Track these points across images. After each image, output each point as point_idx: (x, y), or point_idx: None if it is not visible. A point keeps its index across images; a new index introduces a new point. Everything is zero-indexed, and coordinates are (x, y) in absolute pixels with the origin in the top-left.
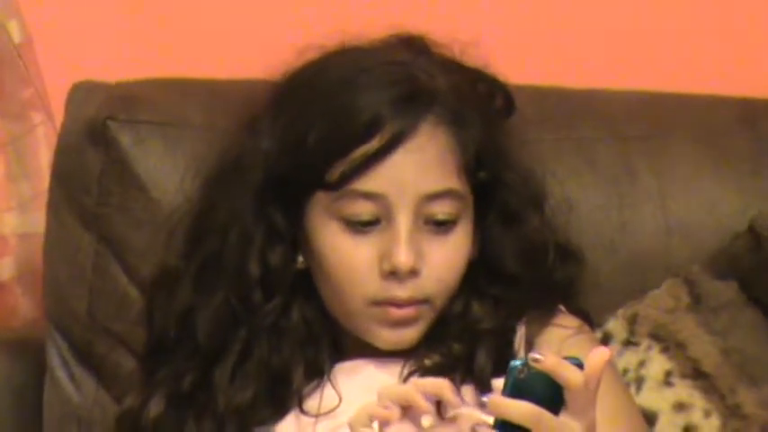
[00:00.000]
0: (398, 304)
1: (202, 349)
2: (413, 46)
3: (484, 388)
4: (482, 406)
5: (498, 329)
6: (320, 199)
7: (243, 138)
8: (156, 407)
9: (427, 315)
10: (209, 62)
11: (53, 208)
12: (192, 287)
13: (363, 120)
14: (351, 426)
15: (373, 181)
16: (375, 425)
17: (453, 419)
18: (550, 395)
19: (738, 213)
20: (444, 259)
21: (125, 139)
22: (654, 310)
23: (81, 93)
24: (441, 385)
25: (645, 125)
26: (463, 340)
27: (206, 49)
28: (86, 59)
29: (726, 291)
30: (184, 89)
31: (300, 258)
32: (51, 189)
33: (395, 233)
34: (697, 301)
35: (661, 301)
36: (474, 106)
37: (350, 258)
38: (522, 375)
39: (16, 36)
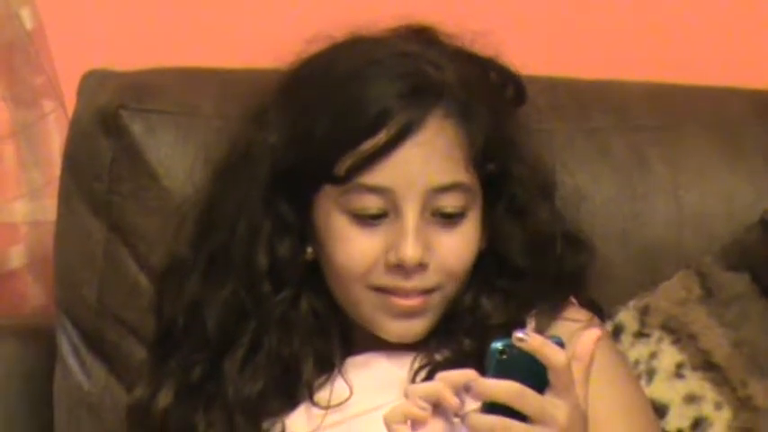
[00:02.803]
0: (403, 294)
1: (212, 340)
2: (422, 36)
3: None
4: (467, 390)
5: (509, 325)
6: (328, 192)
7: (251, 130)
8: (165, 397)
9: (436, 305)
10: (220, 51)
11: (64, 196)
12: (201, 279)
13: (371, 113)
14: (386, 423)
15: (381, 175)
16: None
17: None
18: (534, 375)
19: (751, 205)
20: (452, 251)
21: (136, 127)
22: (665, 302)
23: (93, 81)
24: (468, 375)
25: (658, 116)
26: (473, 335)
27: (218, 38)
28: (98, 47)
29: (738, 283)
30: (196, 78)
31: (309, 249)
32: (62, 177)
33: (402, 226)
34: (709, 292)
35: (673, 292)
36: (483, 97)
37: (357, 250)
38: (504, 357)
39: (28, 23)
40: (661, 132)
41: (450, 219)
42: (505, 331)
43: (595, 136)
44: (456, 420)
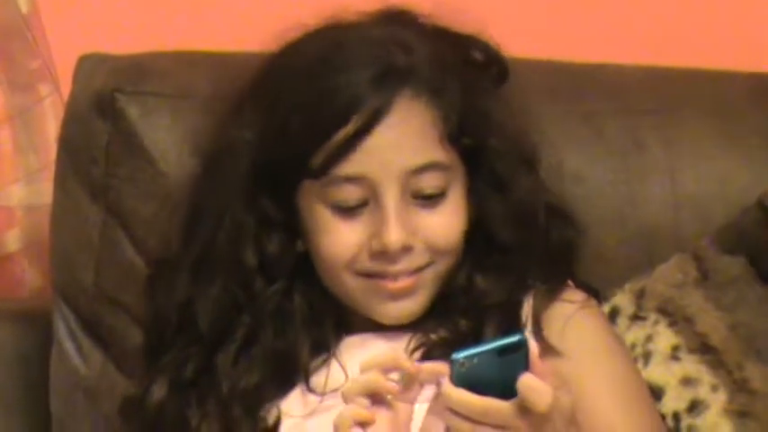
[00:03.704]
0: (392, 277)
1: (204, 337)
2: (398, 18)
3: None
4: (438, 385)
5: (504, 303)
6: (308, 186)
7: (228, 127)
8: (158, 392)
9: (428, 283)
10: (216, 35)
11: (60, 179)
12: (191, 276)
13: (338, 103)
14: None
15: (355, 164)
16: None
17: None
18: (500, 382)
19: (748, 187)
20: (437, 230)
21: (132, 110)
22: (661, 285)
23: (88, 64)
24: (394, 357)
25: (654, 99)
26: (470, 315)
27: (213, 21)
28: (93, 31)
29: (734, 266)
30: (192, 61)
31: (299, 242)
32: (58, 160)
33: (383, 213)
34: (705, 275)
35: (669, 275)
36: (454, 73)
37: (341, 241)
38: (463, 369)
39: (24, 7)
40: (657, 115)
41: (430, 199)
42: (502, 311)
43: (591, 119)
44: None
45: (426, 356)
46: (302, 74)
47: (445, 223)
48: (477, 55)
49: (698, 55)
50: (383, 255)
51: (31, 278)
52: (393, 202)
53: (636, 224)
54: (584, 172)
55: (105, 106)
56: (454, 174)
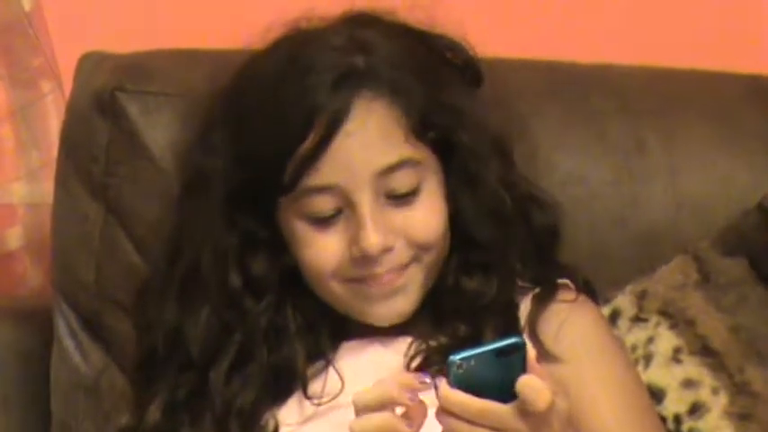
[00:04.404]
0: (378, 279)
1: (196, 362)
2: (360, 19)
3: None
4: (436, 388)
5: (499, 304)
6: (284, 202)
7: (198, 156)
8: (152, 417)
9: (416, 278)
10: (217, 33)
11: (61, 177)
12: (177, 304)
13: (298, 114)
14: None
15: (323, 174)
16: None
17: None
18: (499, 383)
19: (749, 190)
20: (417, 227)
21: (133, 109)
22: (662, 287)
23: (89, 63)
24: (406, 378)
25: (656, 100)
26: (467, 320)
27: (214, 20)
28: (95, 29)
29: (735, 268)
30: (192, 60)
31: (287, 255)
32: (59, 159)
33: (358, 218)
34: (706, 278)
35: (670, 277)
36: (417, 70)
37: (321, 253)
38: (460, 370)
39: (27, 4)
40: (658, 116)
41: (405, 198)
42: (499, 313)
43: (594, 120)
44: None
45: (425, 363)
46: (262, 92)
47: (423, 218)
48: (450, 55)
49: (699, 56)
50: (364, 259)
51: (32, 276)
52: (367, 207)
53: (637, 225)
54: (586, 172)
55: (106, 105)
56: (426, 169)
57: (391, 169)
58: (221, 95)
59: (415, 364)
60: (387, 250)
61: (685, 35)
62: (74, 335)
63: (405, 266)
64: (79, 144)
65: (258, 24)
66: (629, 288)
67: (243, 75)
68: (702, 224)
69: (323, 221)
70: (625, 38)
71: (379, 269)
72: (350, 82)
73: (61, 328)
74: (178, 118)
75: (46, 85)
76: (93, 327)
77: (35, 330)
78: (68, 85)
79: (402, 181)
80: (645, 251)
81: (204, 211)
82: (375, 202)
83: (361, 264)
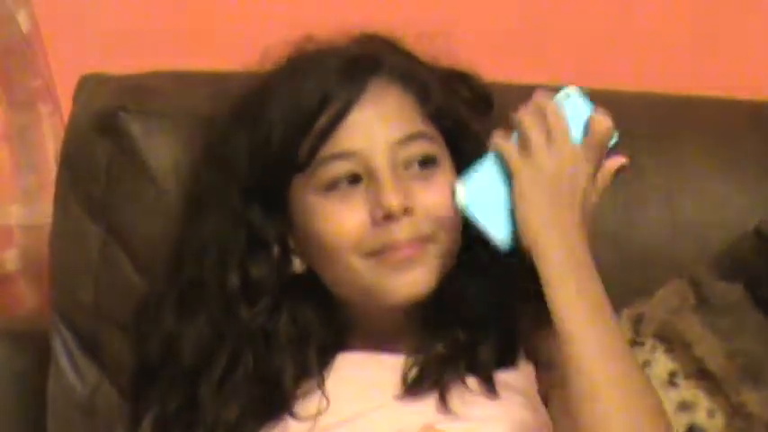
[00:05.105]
0: (399, 247)
1: (188, 371)
2: (370, 38)
3: (487, 378)
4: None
5: (499, 310)
6: (299, 183)
7: (208, 172)
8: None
9: (434, 258)
10: (216, 54)
11: (60, 198)
12: (175, 316)
13: (312, 98)
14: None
15: (341, 141)
16: None
17: None
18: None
19: (745, 214)
20: (435, 198)
21: (135, 129)
22: (659, 310)
23: (91, 84)
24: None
25: (654, 125)
26: (466, 325)
27: (213, 41)
28: (93, 51)
29: (731, 292)
30: (194, 81)
31: (299, 261)
32: (59, 179)
33: (378, 182)
34: (703, 301)
35: (666, 301)
36: (427, 71)
37: (343, 222)
38: (566, 100)
39: (25, 26)
40: (657, 141)
41: (423, 169)
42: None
43: None
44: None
45: (424, 373)
46: (278, 81)
47: (441, 192)
48: (461, 87)
49: (697, 82)
50: (387, 222)
51: (28, 297)
52: (387, 171)
53: (633, 248)
54: None
55: (107, 125)
56: (441, 149)
57: (409, 139)
58: (239, 100)
59: (412, 375)
60: (408, 212)
61: (683, 61)
62: (70, 355)
63: (424, 240)
64: (79, 164)
65: (257, 46)
66: (625, 312)
67: (253, 80)
68: (699, 248)
69: (341, 190)
70: (623, 63)
71: (400, 235)
72: (363, 67)
73: (58, 348)
74: (180, 138)
75: (44, 107)
76: (90, 347)
77: (31, 352)
78: (65, 107)
79: (418, 150)
80: (641, 274)
81: (212, 214)
82: (394, 171)
83: (382, 229)
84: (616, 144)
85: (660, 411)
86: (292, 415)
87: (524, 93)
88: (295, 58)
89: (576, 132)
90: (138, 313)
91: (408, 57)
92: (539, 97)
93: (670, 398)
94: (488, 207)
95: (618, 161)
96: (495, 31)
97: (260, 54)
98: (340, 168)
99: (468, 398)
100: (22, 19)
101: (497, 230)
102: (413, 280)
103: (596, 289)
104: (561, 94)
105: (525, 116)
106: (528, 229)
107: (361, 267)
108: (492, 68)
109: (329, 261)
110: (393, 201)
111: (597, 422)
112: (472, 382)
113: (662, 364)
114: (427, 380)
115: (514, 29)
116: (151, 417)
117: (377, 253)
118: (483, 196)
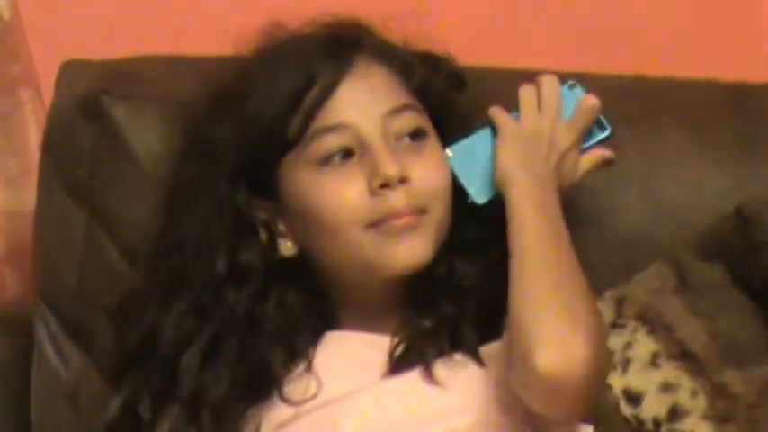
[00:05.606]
0: (398, 215)
1: (165, 351)
2: (353, 25)
3: (473, 349)
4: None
5: (486, 285)
6: (290, 161)
7: (195, 164)
8: (111, 411)
9: (430, 228)
10: (198, 39)
11: (44, 182)
12: (159, 301)
13: (299, 77)
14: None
15: (332, 114)
16: None
17: None
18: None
19: (726, 195)
20: (428, 169)
21: (119, 113)
22: (641, 292)
23: (73, 68)
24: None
25: (633, 107)
26: (453, 299)
27: (195, 25)
28: (74, 37)
29: (712, 273)
30: (177, 65)
31: (289, 244)
32: (42, 164)
33: (373, 153)
34: (684, 283)
35: (648, 282)
36: (406, 54)
37: (342, 193)
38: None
39: (6, 13)
40: (636, 123)
41: (414, 141)
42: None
43: None
44: None
45: (409, 348)
46: (261, 65)
47: (432, 163)
48: (435, 68)
49: (675, 64)
50: (385, 190)
51: (11, 285)
52: (381, 141)
53: (614, 231)
54: None
55: (91, 109)
56: (428, 124)
57: (399, 110)
58: (220, 86)
59: (399, 351)
60: (404, 180)
61: (661, 43)
62: (54, 341)
63: (419, 212)
64: (62, 149)
65: (241, 30)
66: (607, 294)
67: (237, 67)
68: (679, 230)
69: (335, 162)
70: (601, 45)
71: (398, 203)
72: (347, 46)
73: (42, 333)
74: (163, 122)
75: (25, 93)
76: (74, 332)
77: (15, 338)
78: (47, 93)
79: (409, 122)
80: (622, 257)
81: (199, 201)
82: (386, 142)
83: (381, 199)
84: (607, 138)
85: (590, 294)
86: (282, 398)
87: (497, 74)
88: (276, 42)
89: (568, 114)
90: (123, 300)
91: (385, 39)
92: (545, 77)
93: (653, 379)
94: (472, 166)
95: (606, 152)
96: (472, 16)
97: (233, 41)
98: (332, 142)
99: (453, 367)
100: (3, 5)
101: (476, 186)
102: (412, 248)
103: (556, 213)
104: (567, 84)
105: (526, 87)
106: (502, 164)
107: (361, 240)
108: (463, 50)
109: (328, 237)
110: (390, 168)
111: (531, 300)
112: (458, 354)
113: (644, 345)
114: (413, 353)
115: (492, 14)
116: (120, 397)
117: (377, 223)
118: (469, 156)
